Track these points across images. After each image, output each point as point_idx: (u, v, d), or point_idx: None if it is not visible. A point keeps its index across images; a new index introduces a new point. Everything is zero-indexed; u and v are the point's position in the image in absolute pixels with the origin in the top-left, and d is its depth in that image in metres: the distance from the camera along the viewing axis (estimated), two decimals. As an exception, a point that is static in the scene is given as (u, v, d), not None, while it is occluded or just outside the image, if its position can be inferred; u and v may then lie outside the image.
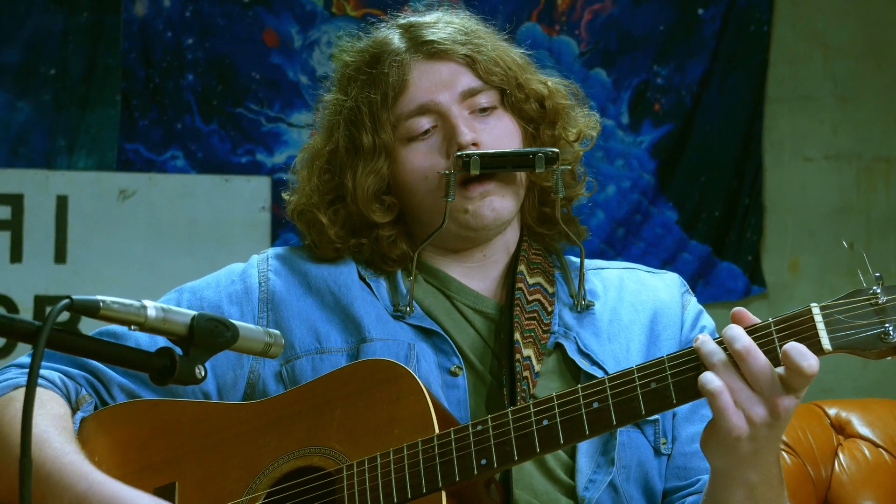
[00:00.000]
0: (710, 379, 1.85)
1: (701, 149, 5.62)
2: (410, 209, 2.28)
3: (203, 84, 5.35)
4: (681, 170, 5.61)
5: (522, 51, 2.35)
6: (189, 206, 5.32)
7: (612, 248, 5.50)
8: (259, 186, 5.34)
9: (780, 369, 1.84)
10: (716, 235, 5.62)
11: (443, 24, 2.28)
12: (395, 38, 2.28)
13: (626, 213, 5.56)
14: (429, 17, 2.32)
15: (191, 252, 5.27)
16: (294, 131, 5.25)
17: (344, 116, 2.28)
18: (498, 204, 2.22)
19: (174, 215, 5.31)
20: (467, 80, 2.24)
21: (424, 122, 2.23)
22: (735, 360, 1.85)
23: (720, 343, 1.88)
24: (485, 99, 2.25)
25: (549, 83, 2.32)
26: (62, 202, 5.24)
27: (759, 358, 1.84)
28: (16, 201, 5.21)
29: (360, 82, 2.27)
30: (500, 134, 2.24)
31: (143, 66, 5.31)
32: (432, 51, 2.25)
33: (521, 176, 2.26)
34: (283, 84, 5.34)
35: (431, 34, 2.26)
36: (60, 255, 5.23)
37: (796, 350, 1.82)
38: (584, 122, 2.34)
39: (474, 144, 2.20)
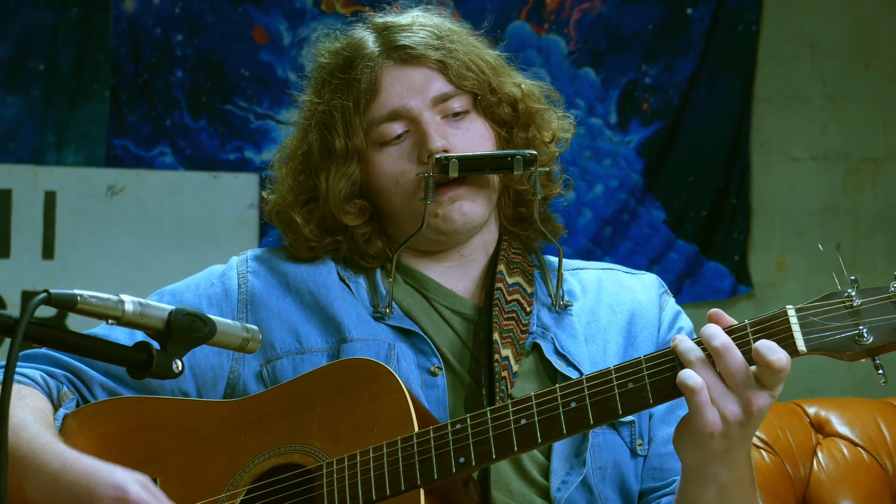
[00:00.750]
0: (688, 375, 1.87)
1: (689, 148, 5.63)
2: (383, 211, 2.28)
3: (192, 80, 5.36)
4: (669, 169, 5.62)
5: (497, 52, 2.35)
6: (177, 203, 5.32)
7: (600, 248, 5.51)
8: (247, 183, 5.35)
9: (754, 367, 1.87)
10: (703, 235, 5.63)
11: (417, 27, 2.28)
12: (370, 42, 2.28)
13: (613, 212, 5.57)
14: (404, 19, 2.31)
15: (179, 248, 5.27)
16: (283, 129, 5.19)
17: (317, 120, 2.28)
18: (468, 208, 2.22)
19: (162, 212, 5.31)
20: (439, 85, 2.24)
21: (396, 128, 2.24)
22: (712, 358, 1.87)
23: (698, 342, 1.90)
24: (457, 104, 2.25)
25: (523, 86, 2.31)
26: (50, 198, 5.24)
27: (736, 355, 1.86)
28: (4, 196, 5.21)
29: (332, 86, 2.28)
30: (472, 138, 2.24)
31: (132, 62, 5.31)
32: (404, 56, 2.25)
33: (494, 179, 2.26)
34: (272, 81, 5.35)
35: (405, 38, 2.26)
36: (48, 251, 5.24)
37: (765, 346, 1.84)
38: (559, 124, 2.34)
39: (445, 151, 2.20)
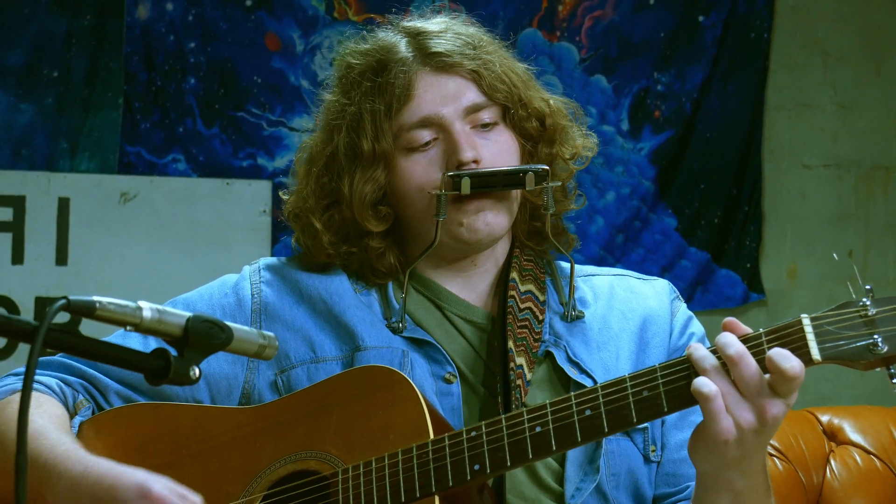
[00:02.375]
0: (703, 383, 1.87)
1: (700, 156, 5.63)
2: (405, 219, 2.28)
3: (205, 88, 5.36)
4: (680, 177, 5.62)
5: (526, 65, 2.34)
6: (190, 210, 5.33)
7: (612, 255, 5.51)
8: (260, 190, 5.35)
9: (768, 375, 1.87)
10: (715, 242, 5.63)
11: (451, 35, 2.27)
12: (402, 46, 2.27)
13: (625, 219, 5.57)
14: (435, 26, 2.30)
15: (192, 255, 5.28)
16: (295, 136, 5.25)
17: (346, 121, 2.27)
18: (492, 219, 2.22)
19: (175, 218, 5.32)
20: (472, 95, 2.24)
21: (426, 135, 2.23)
22: (727, 366, 1.88)
23: (713, 350, 1.90)
24: (487, 115, 2.24)
25: (551, 101, 2.31)
26: (64, 204, 5.24)
27: (751, 363, 1.87)
28: (18, 203, 5.22)
29: (364, 88, 2.26)
30: (499, 150, 2.24)
31: (145, 70, 5.32)
32: (440, 64, 2.24)
33: (516, 192, 2.26)
34: (285, 88, 5.35)
35: (439, 45, 2.25)
36: (62, 257, 5.24)
37: (779, 354, 1.85)
38: (582, 141, 2.34)
39: (475, 162, 2.20)
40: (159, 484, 1.93)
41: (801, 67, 5.73)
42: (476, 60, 2.25)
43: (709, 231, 5.62)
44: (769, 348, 1.87)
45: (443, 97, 2.23)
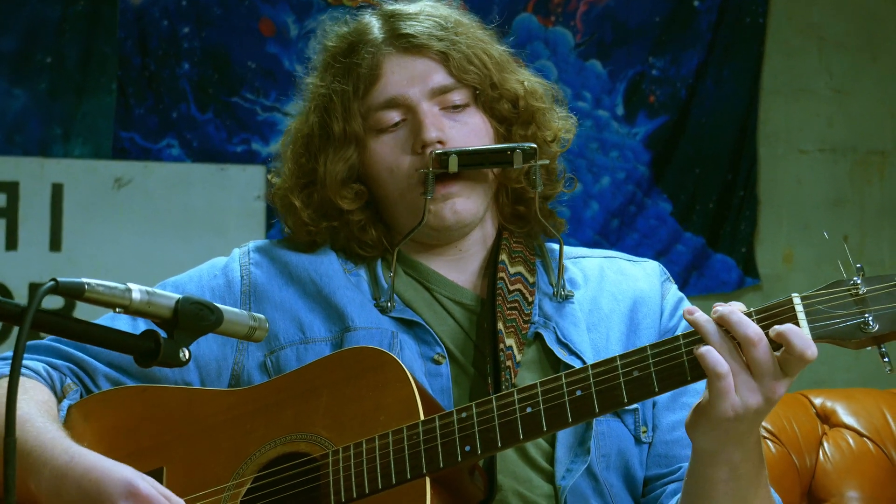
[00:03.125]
0: (718, 361, 1.85)
1: (696, 141, 5.63)
2: (380, 199, 2.28)
3: (199, 73, 5.36)
4: (675, 161, 5.62)
5: (505, 48, 2.34)
6: (184, 195, 5.33)
7: (607, 240, 5.50)
8: (254, 175, 5.35)
9: (778, 353, 1.85)
10: (710, 227, 5.63)
11: (423, 17, 2.27)
12: (375, 28, 2.28)
13: (620, 204, 5.57)
14: (412, 8, 2.30)
15: (186, 241, 5.27)
16: (290, 121, 5.24)
17: (320, 102, 2.29)
18: (461, 206, 2.22)
19: (169, 204, 5.32)
20: (439, 77, 2.24)
21: (394, 116, 2.23)
22: (740, 345, 1.86)
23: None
24: (457, 97, 2.24)
25: (526, 83, 2.30)
26: (57, 190, 5.24)
27: (767, 345, 1.85)
28: (11, 189, 5.22)
29: (334, 70, 2.28)
30: (468, 132, 2.23)
31: (139, 55, 5.32)
32: (406, 45, 2.24)
33: (490, 176, 2.26)
34: (279, 73, 5.35)
35: (409, 27, 2.26)
36: (55, 243, 5.25)
37: (800, 337, 1.83)
38: (562, 124, 2.32)
39: (440, 142, 2.20)
40: (145, 483, 1.95)
41: (796, 52, 5.73)
42: (444, 41, 2.25)
43: (704, 216, 5.62)
44: (763, 328, 1.86)
45: (410, 78, 2.23)
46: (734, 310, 1.88)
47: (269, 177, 2.40)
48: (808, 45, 5.73)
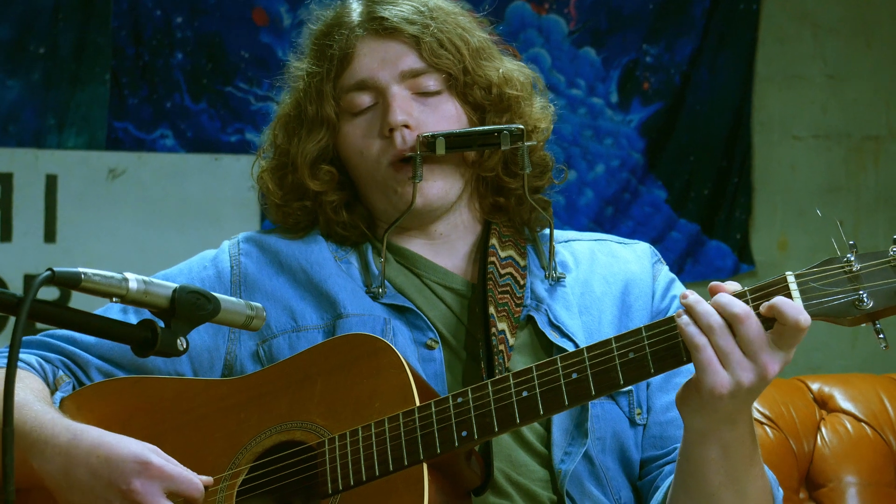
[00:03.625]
0: (693, 332, 1.85)
1: (690, 128, 5.62)
2: (354, 180, 2.30)
3: (192, 63, 5.35)
4: (670, 149, 5.62)
5: (490, 35, 2.33)
6: (179, 185, 5.32)
7: (601, 227, 5.50)
8: (248, 165, 5.24)
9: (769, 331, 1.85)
10: (705, 214, 5.63)
11: (402, 2, 2.28)
12: (353, 12, 2.28)
13: (614, 191, 5.57)
14: None
15: (181, 231, 5.26)
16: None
17: (297, 84, 2.31)
18: (426, 188, 2.22)
19: (164, 194, 5.30)
20: (410, 60, 2.24)
21: (366, 99, 2.24)
22: (730, 324, 1.85)
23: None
24: (431, 82, 2.24)
25: (502, 70, 2.29)
26: (52, 181, 5.23)
27: (756, 321, 1.84)
28: (5, 180, 5.20)
29: (311, 52, 2.30)
30: (438, 117, 2.23)
31: (132, 45, 5.30)
32: (379, 28, 2.25)
33: (462, 162, 2.25)
34: (273, 63, 5.33)
35: (385, 10, 2.26)
36: (50, 234, 5.23)
37: (790, 305, 1.82)
38: (540, 114, 2.32)
39: (406, 126, 2.20)
40: (157, 455, 1.96)
41: (790, 39, 5.72)
42: (416, 25, 2.25)
43: (699, 203, 5.62)
44: (756, 307, 1.85)
45: (381, 61, 2.24)
46: (722, 292, 1.88)
47: (254, 162, 2.40)
48: (802, 31, 5.72)
